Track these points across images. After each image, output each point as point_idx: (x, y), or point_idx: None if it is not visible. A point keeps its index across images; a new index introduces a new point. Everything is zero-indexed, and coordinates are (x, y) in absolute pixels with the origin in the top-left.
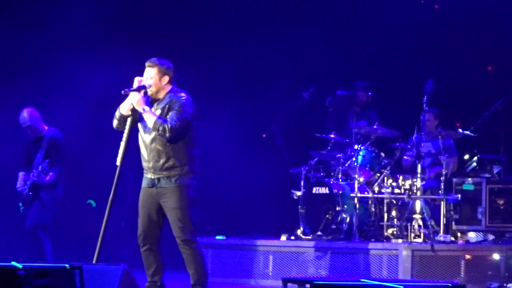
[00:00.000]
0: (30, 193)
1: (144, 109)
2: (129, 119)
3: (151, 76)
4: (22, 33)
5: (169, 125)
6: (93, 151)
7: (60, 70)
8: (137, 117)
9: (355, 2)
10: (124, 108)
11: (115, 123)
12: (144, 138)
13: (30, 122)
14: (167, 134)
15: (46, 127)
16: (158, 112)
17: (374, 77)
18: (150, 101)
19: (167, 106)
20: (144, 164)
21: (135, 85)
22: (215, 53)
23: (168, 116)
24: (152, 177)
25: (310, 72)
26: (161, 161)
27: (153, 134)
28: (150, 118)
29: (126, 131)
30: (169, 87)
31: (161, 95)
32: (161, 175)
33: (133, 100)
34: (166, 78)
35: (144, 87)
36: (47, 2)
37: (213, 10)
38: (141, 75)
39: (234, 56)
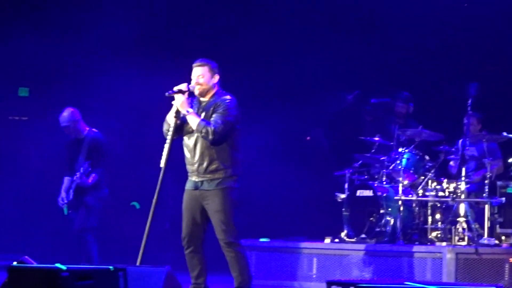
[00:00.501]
0: (76, 197)
1: (188, 111)
2: (173, 121)
3: (202, 74)
4: (64, 41)
5: (213, 128)
6: (137, 154)
7: (102, 78)
8: (181, 119)
9: (393, 7)
10: (171, 119)
11: (165, 133)
12: (188, 141)
13: (67, 123)
14: (210, 137)
15: (87, 128)
16: (203, 114)
17: (417, 80)
18: (194, 103)
19: (211, 108)
20: (188, 167)
21: (180, 87)
22: (259, 57)
23: (212, 119)
24: (196, 180)
25: (355, 75)
26: (205, 164)
27: (196, 136)
28: (193, 120)
29: (170, 134)
30: (216, 88)
31: (208, 95)
32: (204, 178)
33: (177, 102)
34: (217, 77)
35: (188, 89)
36: (89, 11)
37: (254, 16)
38: (179, 83)
39: (279, 60)
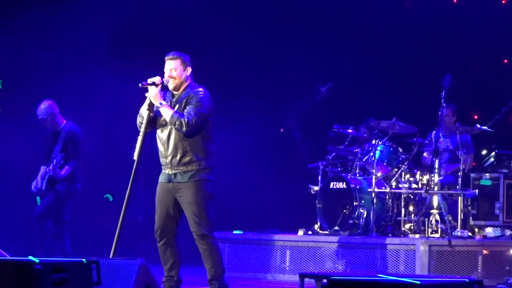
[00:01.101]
0: (47, 187)
1: (161, 103)
2: (146, 114)
3: (175, 67)
4: (38, 35)
5: (186, 120)
6: (110, 146)
7: (75, 72)
8: (154, 112)
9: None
10: (144, 111)
11: (139, 126)
12: (161, 134)
13: (44, 115)
14: (184, 129)
15: (64, 121)
16: (176, 106)
17: (392, 72)
18: (167, 96)
19: (184, 100)
20: (162, 160)
21: (154, 80)
22: (232, 49)
23: (185, 111)
24: (170, 172)
25: (328, 67)
26: (178, 156)
27: (170, 129)
28: (167, 112)
29: (143, 126)
30: (189, 80)
31: (181, 88)
32: (178, 171)
33: (151, 94)
34: (189, 70)
35: (162, 82)
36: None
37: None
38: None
39: (251, 52)
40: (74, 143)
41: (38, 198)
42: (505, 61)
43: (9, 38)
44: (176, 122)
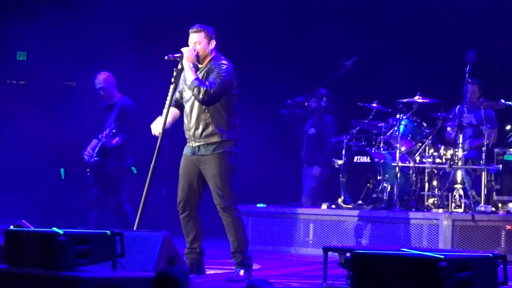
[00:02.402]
0: (98, 159)
1: (189, 65)
2: (171, 86)
3: (199, 40)
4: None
5: (204, 88)
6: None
7: (100, 47)
8: (179, 85)
9: None
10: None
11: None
12: (186, 107)
13: (103, 84)
14: (200, 96)
15: (119, 95)
16: (200, 76)
17: (415, 45)
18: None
19: (207, 72)
20: (186, 133)
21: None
22: (257, 26)
23: (206, 80)
24: (193, 145)
25: (352, 42)
26: (201, 128)
27: (192, 101)
28: (190, 76)
29: (168, 99)
30: (214, 53)
31: (205, 61)
32: (200, 143)
33: (185, 52)
34: (214, 43)
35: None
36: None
37: None
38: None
39: (277, 28)
40: (127, 116)
41: (62, 170)
42: None
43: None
44: (195, 88)
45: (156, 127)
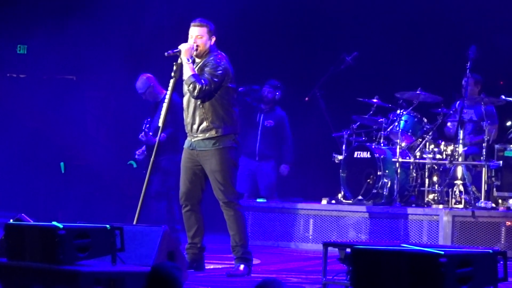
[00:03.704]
0: (146, 154)
1: (188, 59)
2: (171, 80)
3: (201, 34)
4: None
5: (199, 85)
6: (134, 113)
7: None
8: (179, 79)
9: None
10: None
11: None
12: (184, 101)
13: (143, 89)
14: (195, 93)
15: (164, 91)
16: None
17: (416, 41)
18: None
19: (202, 67)
20: (185, 127)
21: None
22: (257, 18)
23: (200, 76)
24: (191, 139)
25: (353, 36)
26: (197, 123)
27: (189, 96)
28: (187, 71)
29: (168, 93)
30: (213, 48)
31: (203, 56)
32: (197, 138)
33: (183, 47)
34: (214, 39)
35: (192, 47)
36: None
37: None
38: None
39: (277, 21)
40: (172, 111)
41: (62, 164)
42: None
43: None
44: (191, 84)
45: None
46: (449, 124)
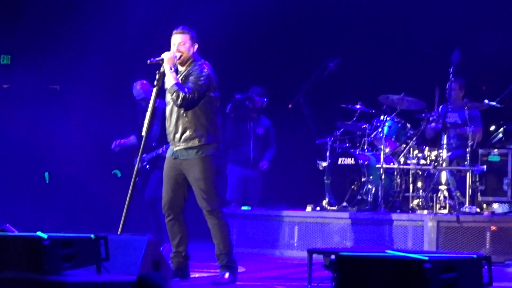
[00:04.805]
0: (149, 166)
1: (171, 68)
2: (154, 89)
3: (183, 42)
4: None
5: (183, 94)
6: (119, 121)
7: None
8: (162, 87)
9: None
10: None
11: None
12: (166, 110)
13: (144, 95)
14: (178, 101)
15: (158, 100)
16: (179, 78)
17: (400, 46)
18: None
19: (186, 75)
20: (168, 136)
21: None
22: (240, 25)
23: (185, 85)
24: (175, 148)
25: (336, 42)
26: (179, 132)
27: (172, 105)
28: (170, 80)
29: (151, 102)
30: (195, 57)
31: (186, 64)
32: (180, 147)
33: (166, 55)
34: (196, 46)
35: (175, 56)
36: None
37: None
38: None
39: (260, 28)
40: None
41: (46, 174)
42: None
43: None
44: (174, 93)
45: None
46: (432, 124)
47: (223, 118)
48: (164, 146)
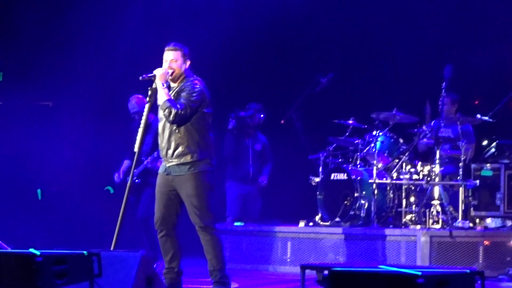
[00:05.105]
0: (139, 180)
1: (163, 84)
2: (147, 106)
3: (175, 58)
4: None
5: (175, 110)
6: (111, 138)
7: (77, 67)
8: (155, 104)
9: None
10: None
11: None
12: (159, 126)
13: (138, 108)
14: (171, 118)
15: (153, 116)
16: (172, 95)
17: (392, 61)
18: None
19: (178, 91)
20: (160, 152)
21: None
22: (234, 41)
23: (177, 101)
24: (167, 164)
25: (328, 58)
26: (172, 148)
27: (164, 121)
28: (162, 96)
29: (143, 118)
30: (187, 73)
31: (178, 81)
32: (172, 163)
33: (158, 72)
34: (188, 62)
35: (167, 72)
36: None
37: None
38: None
39: (253, 43)
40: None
41: (39, 190)
42: None
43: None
44: (167, 109)
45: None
46: (424, 140)
47: (220, 134)
48: (149, 157)
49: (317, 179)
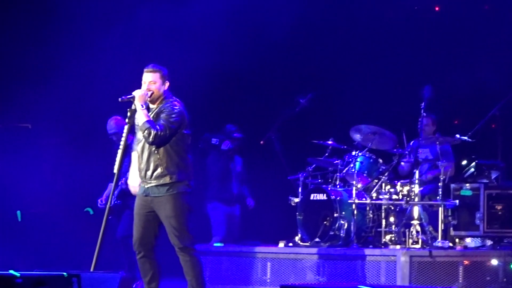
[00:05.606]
0: (119, 201)
1: (142, 105)
2: (126, 127)
3: (154, 80)
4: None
5: (155, 131)
6: (90, 160)
7: (58, 81)
8: (134, 125)
9: (347, 8)
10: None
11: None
12: (137, 148)
13: (116, 130)
14: (150, 139)
15: (131, 137)
16: (151, 116)
17: (371, 82)
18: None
19: (157, 113)
20: (139, 174)
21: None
22: (215, 62)
23: (156, 123)
24: (145, 186)
25: (307, 79)
26: (151, 170)
27: (143, 143)
28: (142, 117)
29: (123, 139)
30: (166, 94)
31: (157, 102)
32: (151, 184)
33: (137, 93)
34: (167, 84)
35: (146, 94)
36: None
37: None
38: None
39: (230, 67)
40: None
41: (18, 212)
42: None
43: None
44: (146, 131)
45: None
46: (402, 163)
47: (200, 155)
48: (123, 178)
49: (297, 200)
